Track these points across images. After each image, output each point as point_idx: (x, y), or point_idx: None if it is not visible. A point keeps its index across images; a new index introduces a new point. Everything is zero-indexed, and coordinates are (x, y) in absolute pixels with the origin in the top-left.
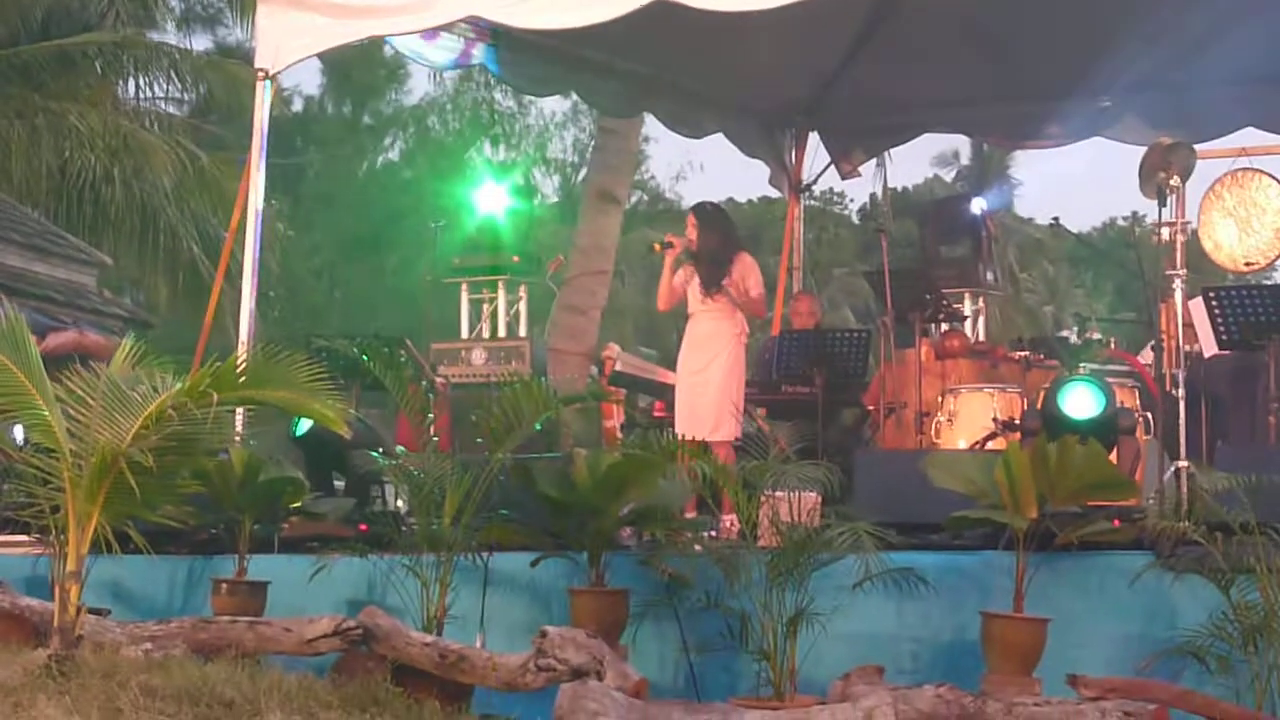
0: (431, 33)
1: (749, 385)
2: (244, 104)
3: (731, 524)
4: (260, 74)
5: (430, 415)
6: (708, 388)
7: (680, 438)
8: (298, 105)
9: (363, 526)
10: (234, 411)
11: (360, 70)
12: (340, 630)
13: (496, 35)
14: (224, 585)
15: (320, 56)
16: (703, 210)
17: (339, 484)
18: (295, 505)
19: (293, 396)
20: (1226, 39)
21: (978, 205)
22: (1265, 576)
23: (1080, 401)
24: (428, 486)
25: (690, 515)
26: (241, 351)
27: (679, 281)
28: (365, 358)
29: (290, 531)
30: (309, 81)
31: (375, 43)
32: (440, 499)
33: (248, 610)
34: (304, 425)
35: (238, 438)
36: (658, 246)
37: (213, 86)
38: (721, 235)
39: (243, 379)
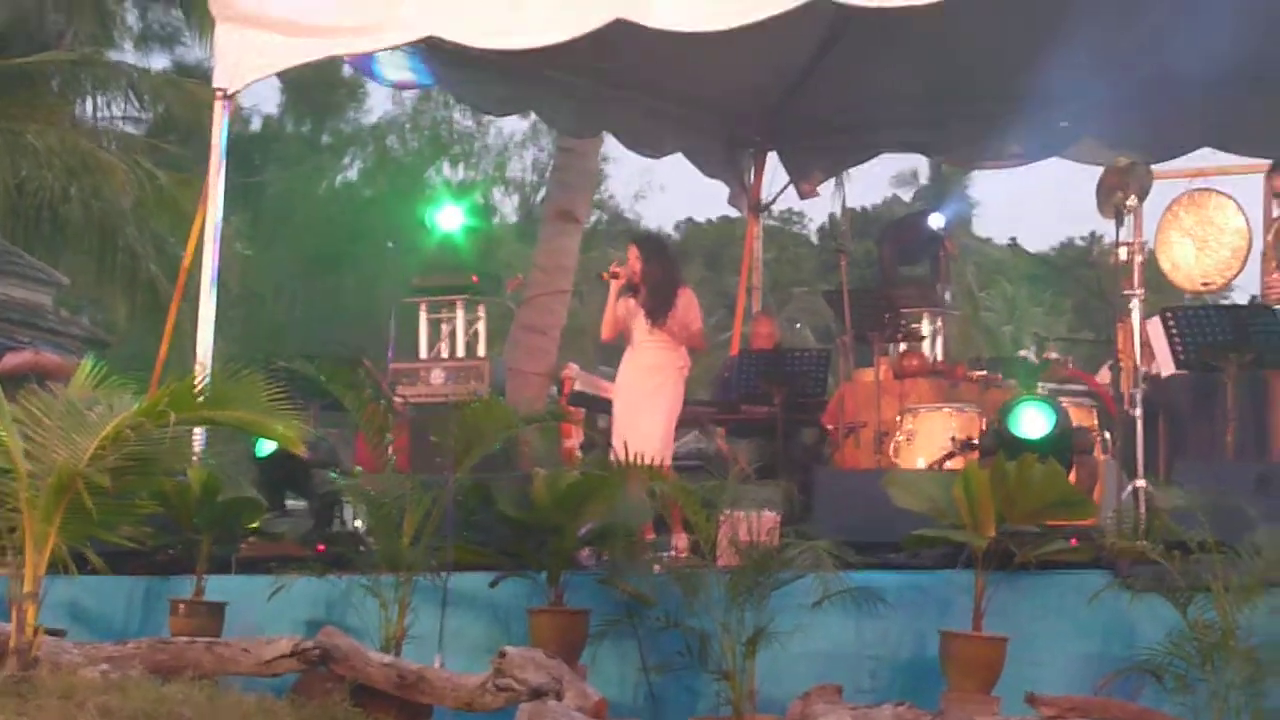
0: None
1: (707, 405)
2: (203, 123)
3: (680, 544)
4: (219, 93)
5: (389, 435)
6: (652, 414)
7: (639, 458)
8: (256, 124)
9: (321, 547)
10: (192, 431)
11: (319, 89)
12: (298, 651)
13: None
14: (182, 606)
15: (279, 75)
16: (646, 241)
17: (294, 504)
18: (253, 525)
19: (251, 417)
20: (1183, 60)
21: (935, 221)
22: (1222, 595)
23: (1031, 421)
24: (386, 506)
25: (649, 536)
26: (200, 371)
27: (622, 312)
28: (324, 378)
29: (248, 552)
30: (268, 100)
31: (334, 62)
32: (399, 519)
33: (205, 631)
34: (267, 445)
35: (196, 458)
36: (605, 275)
37: (171, 105)
38: (665, 267)
39: (201, 399)
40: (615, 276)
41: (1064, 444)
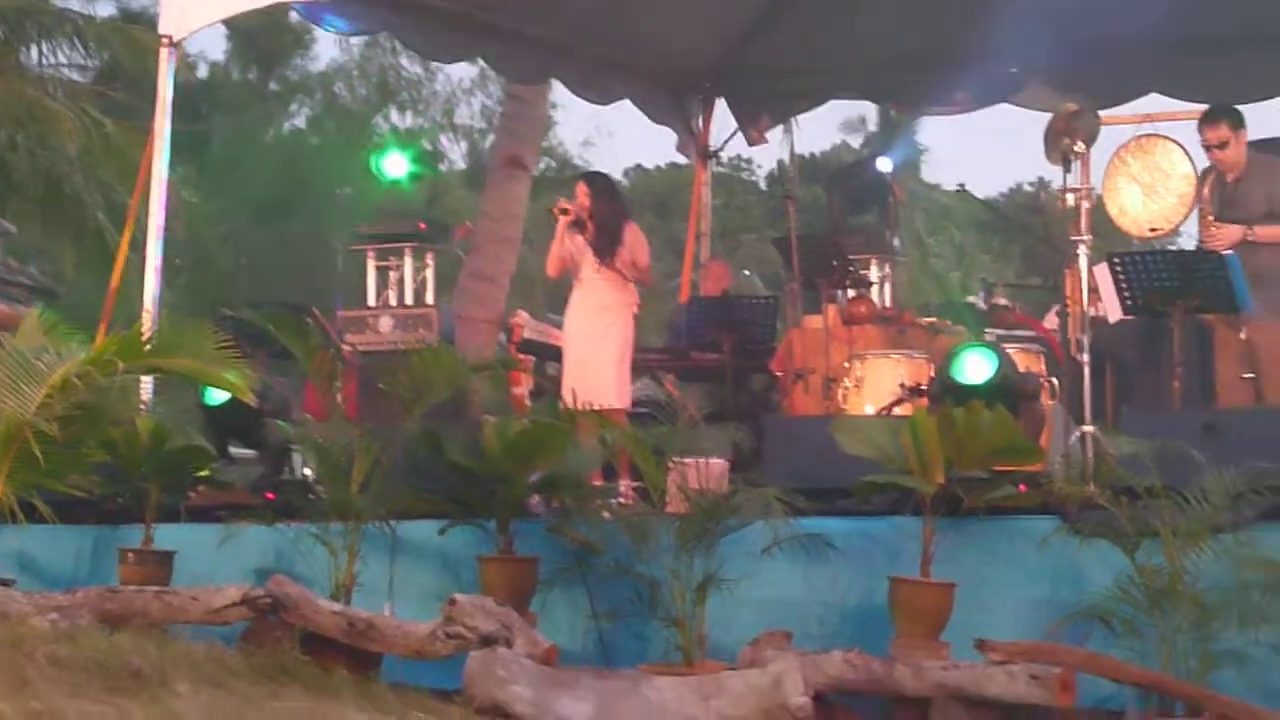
0: None
1: (658, 352)
2: (149, 70)
3: (627, 489)
4: (164, 40)
5: (337, 384)
6: (604, 355)
7: (589, 404)
8: (203, 71)
9: (270, 495)
10: (140, 380)
11: (266, 36)
12: (248, 599)
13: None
14: (131, 555)
15: (225, 22)
16: (594, 178)
17: (241, 452)
18: (202, 474)
19: (199, 365)
20: (1131, 5)
21: (883, 165)
22: (1170, 540)
23: (973, 367)
24: (335, 455)
25: (598, 483)
26: (147, 320)
27: (570, 249)
28: (271, 326)
29: (197, 500)
30: (214, 47)
31: (281, 9)
32: (348, 467)
33: (155, 580)
34: (217, 394)
35: (144, 406)
36: (555, 210)
37: (117, 53)
38: (613, 204)
39: (148, 348)
40: (564, 212)
41: (1007, 390)
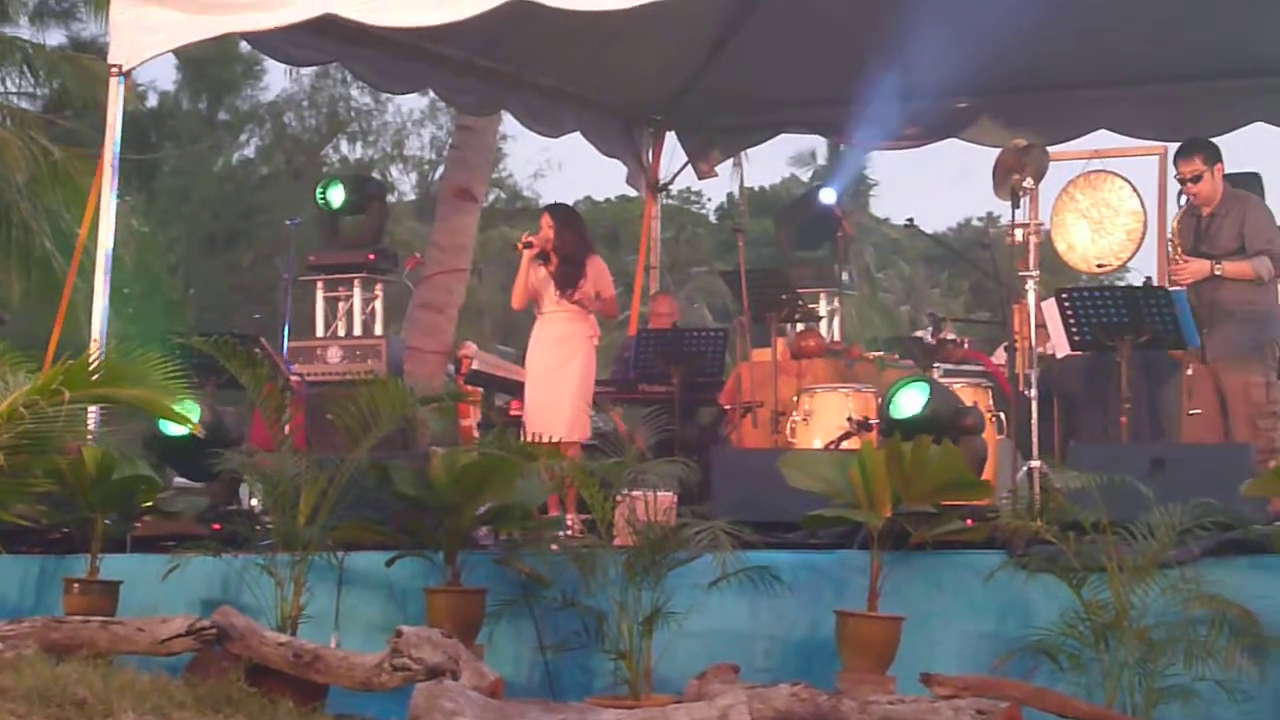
0: None
1: (606, 384)
2: (98, 99)
3: (573, 522)
4: (114, 69)
5: (285, 414)
6: (563, 388)
7: (534, 436)
8: (153, 100)
9: (216, 525)
10: (88, 409)
11: (216, 66)
12: (194, 630)
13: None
14: (76, 585)
15: (175, 52)
16: (558, 210)
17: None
18: (149, 504)
19: (147, 394)
20: (1079, 42)
21: (826, 196)
22: (1116, 575)
23: (905, 401)
24: (283, 485)
25: (553, 514)
26: (94, 349)
27: (533, 281)
28: (220, 356)
29: (144, 530)
30: (164, 77)
31: (231, 38)
32: (295, 498)
33: (100, 610)
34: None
35: (91, 435)
36: (519, 245)
37: (67, 81)
38: (577, 236)
39: (96, 377)
40: (529, 246)
41: (938, 424)
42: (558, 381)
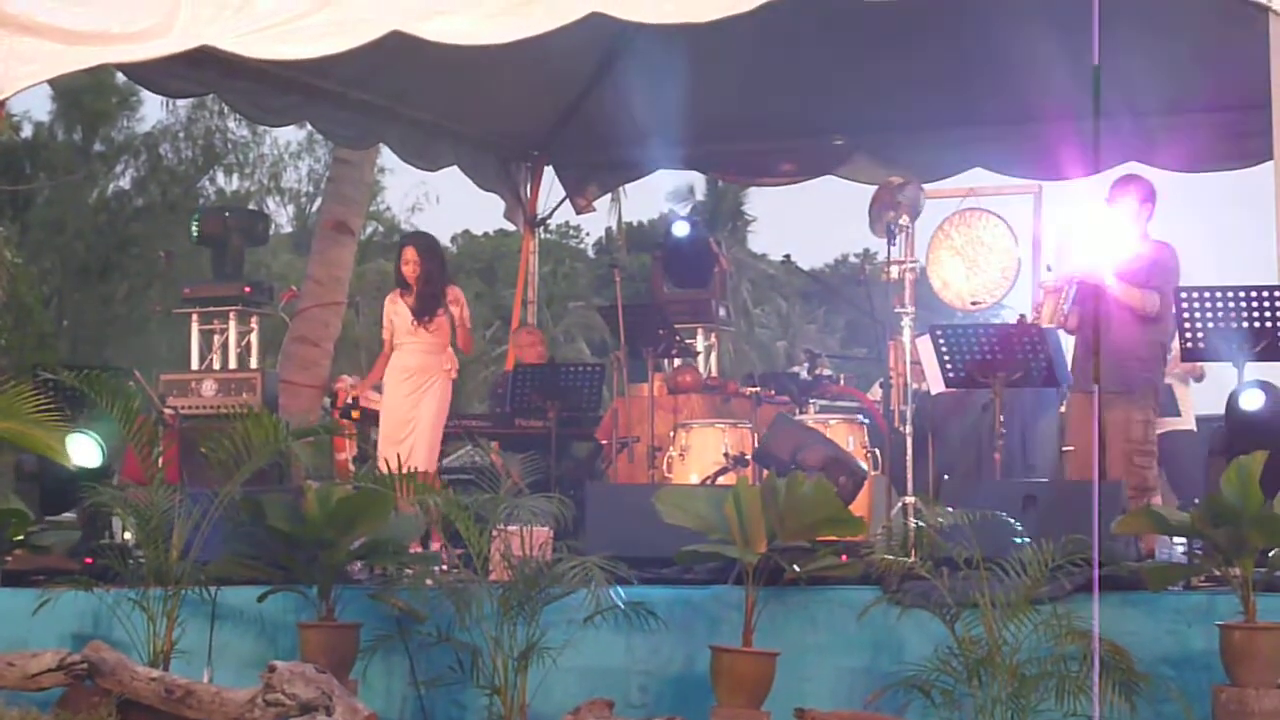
0: None
1: (482, 419)
2: None
3: (444, 557)
4: None
5: (158, 447)
6: (419, 419)
7: (411, 470)
8: (27, 131)
9: (88, 560)
10: None
11: (92, 96)
12: (64, 665)
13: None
14: None
15: (50, 82)
16: (422, 241)
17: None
18: (19, 538)
19: (16, 427)
20: (953, 82)
21: (679, 229)
22: (989, 611)
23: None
24: (155, 519)
25: (416, 549)
26: None
27: (391, 314)
28: (91, 389)
29: (14, 564)
30: (39, 107)
31: (107, 69)
32: (168, 532)
33: None
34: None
35: None
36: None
37: None
38: (440, 266)
39: None
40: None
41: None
42: (414, 411)
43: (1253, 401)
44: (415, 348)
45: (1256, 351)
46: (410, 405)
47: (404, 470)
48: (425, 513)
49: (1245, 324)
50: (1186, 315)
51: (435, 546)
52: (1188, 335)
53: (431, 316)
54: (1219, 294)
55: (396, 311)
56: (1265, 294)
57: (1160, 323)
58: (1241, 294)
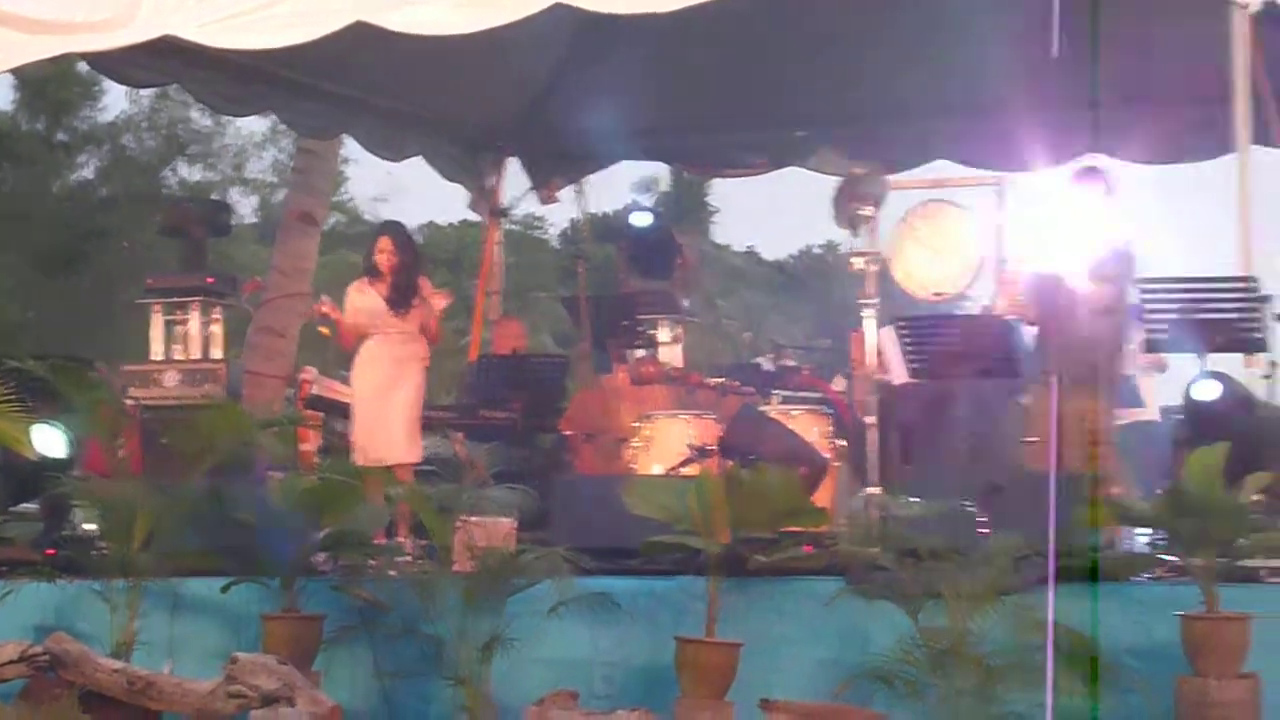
0: None
1: (448, 410)
2: None
3: (409, 544)
4: None
5: (121, 439)
6: (396, 410)
7: (378, 461)
8: None
9: (51, 551)
10: None
11: (55, 86)
12: (26, 656)
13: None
14: None
15: (13, 72)
16: (395, 230)
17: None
18: None
19: None
20: (917, 73)
21: (638, 219)
22: (953, 602)
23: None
24: (118, 511)
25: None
26: None
27: (362, 305)
28: (55, 379)
29: None
30: (1, 97)
31: (70, 59)
32: (131, 523)
33: None
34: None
35: None
36: (324, 331)
37: None
38: (414, 255)
39: None
40: (325, 319)
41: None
42: (390, 403)
43: (1207, 393)
44: (390, 338)
45: (1218, 343)
46: (388, 396)
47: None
48: (392, 505)
49: (1206, 316)
50: (1148, 307)
51: (401, 538)
52: (1149, 327)
53: (408, 307)
54: (1179, 285)
55: (365, 299)
56: (1226, 286)
57: (1119, 314)
58: (1203, 285)
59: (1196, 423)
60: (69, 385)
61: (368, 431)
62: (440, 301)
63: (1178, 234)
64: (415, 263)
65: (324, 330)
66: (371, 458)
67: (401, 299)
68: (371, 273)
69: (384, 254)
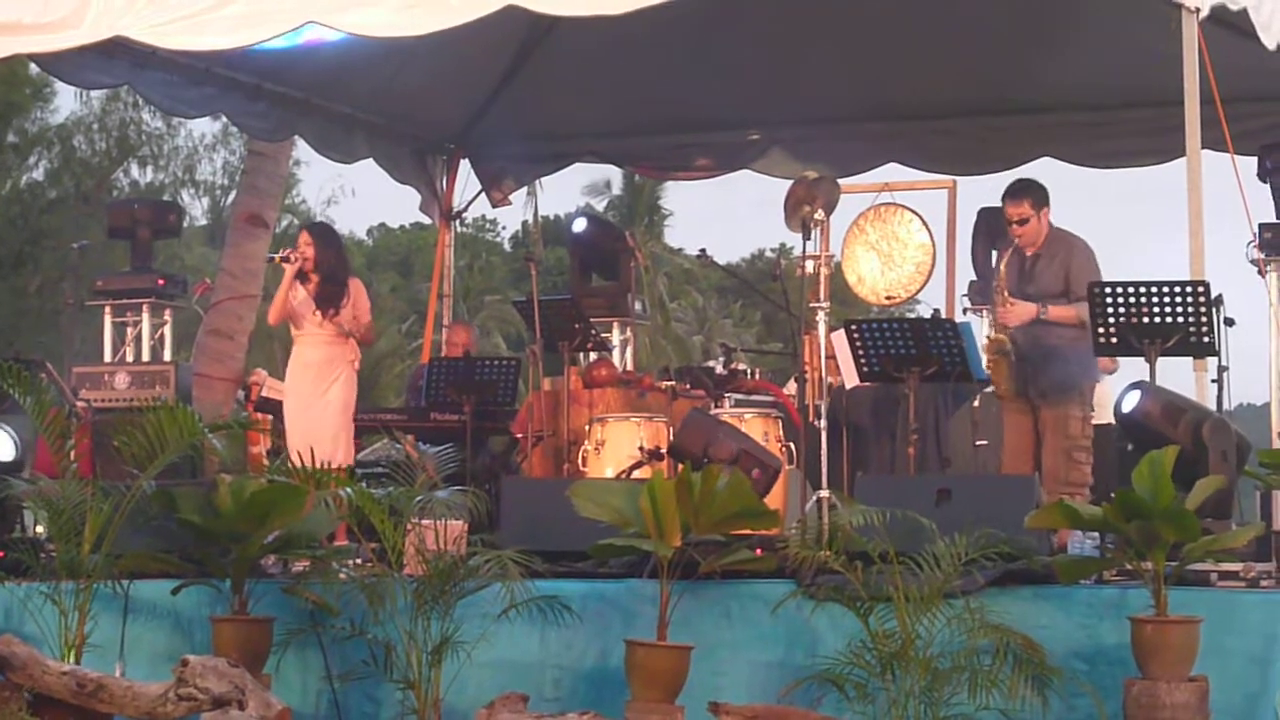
0: None
1: (398, 413)
2: None
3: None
4: None
5: (70, 440)
6: (326, 413)
7: (322, 462)
8: None
9: None
10: None
11: (4, 87)
12: None
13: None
14: None
15: None
16: (318, 229)
17: None
18: None
19: None
20: (868, 78)
21: (577, 225)
22: (902, 605)
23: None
24: (67, 512)
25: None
26: None
27: (292, 300)
28: (2, 380)
29: None
30: None
31: (20, 60)
32: (80, 525)
33: None
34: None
35: None
36: (278, 259)
37: None
38: (338, 256)
39: None
40: (287, 260)
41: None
42: (320, 406)
43: (1128, 403)
44: (319, 339)
45: (1168, 346)
46: (318, 397)
47: (321, 464)
48: (335, 507)
49: (1156, 319)
50: (1099, 310)
51: (340, 539)
52: (1100, 330)
53: (336, 308)
54: (1130, 289)
55: (299, 301)
56: (1176, 288)
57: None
58: (1154, 289)
59: (1130, 433)
60: (17, 387)
61: (299, 435)
62: (366, 304)
63: (1130, 236)
64: (341, 263)
65: (278, 259)
66: (306, 460)
67: (328, 300)
68: (299, 274)
69: (303, 252)
